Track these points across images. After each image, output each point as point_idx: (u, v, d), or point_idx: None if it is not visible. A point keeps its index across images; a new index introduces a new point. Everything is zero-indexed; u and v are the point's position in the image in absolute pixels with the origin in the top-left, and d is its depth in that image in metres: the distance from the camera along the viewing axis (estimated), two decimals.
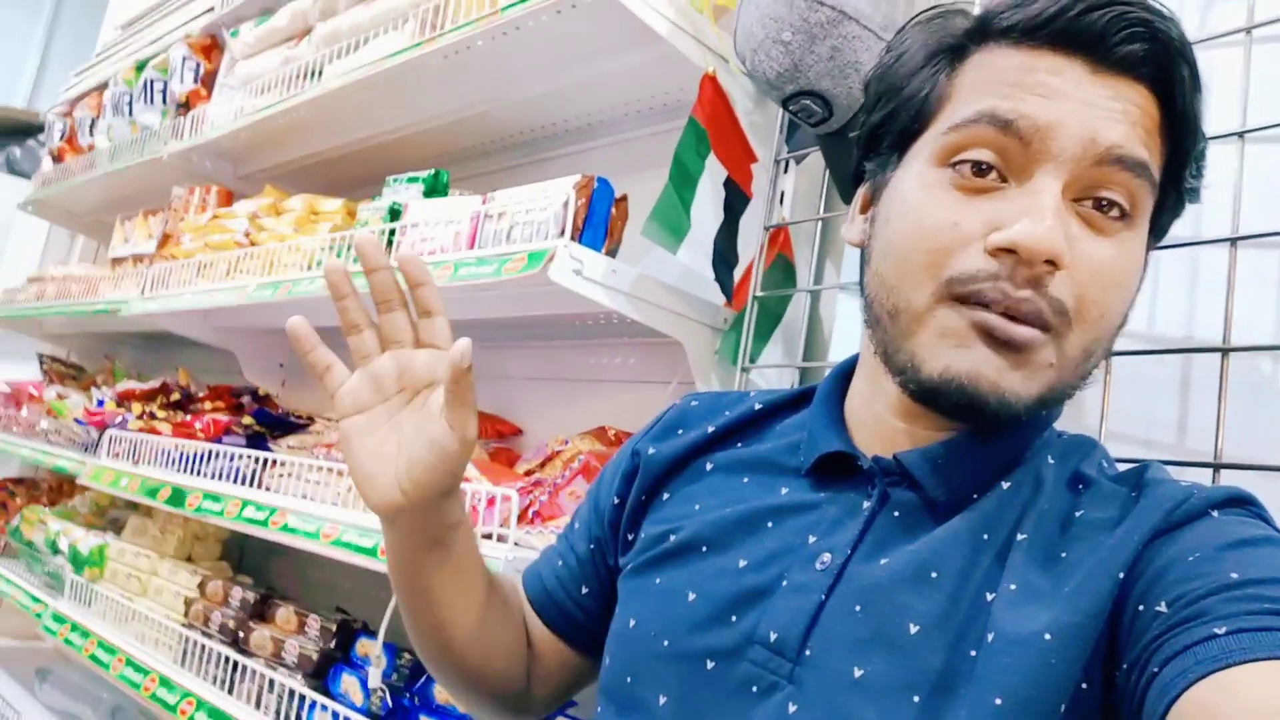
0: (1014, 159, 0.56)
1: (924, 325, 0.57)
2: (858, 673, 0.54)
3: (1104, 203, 0.56)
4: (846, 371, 0.71)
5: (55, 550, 2.03)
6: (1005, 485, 0.60)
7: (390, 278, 0.66)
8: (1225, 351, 0.81)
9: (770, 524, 0.64)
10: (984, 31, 0.60)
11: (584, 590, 0.78)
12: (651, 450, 0.74)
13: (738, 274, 1.24)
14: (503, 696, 0.80)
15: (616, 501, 0.75)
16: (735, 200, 1.20)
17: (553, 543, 0.84)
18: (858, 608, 0.57)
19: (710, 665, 0.60)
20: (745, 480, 0.69)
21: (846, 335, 1.21)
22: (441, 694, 1.25)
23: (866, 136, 0.66)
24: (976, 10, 0.64)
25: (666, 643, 0.62)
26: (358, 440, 0.66)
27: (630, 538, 0.73)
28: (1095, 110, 0.55)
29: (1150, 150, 0.57)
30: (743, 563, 0.63)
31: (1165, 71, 0.56)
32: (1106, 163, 0.55)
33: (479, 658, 0.76)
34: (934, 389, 0.56)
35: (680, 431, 0.75)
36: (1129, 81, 0.56)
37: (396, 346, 0.67)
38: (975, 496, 0.60)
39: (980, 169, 0.56)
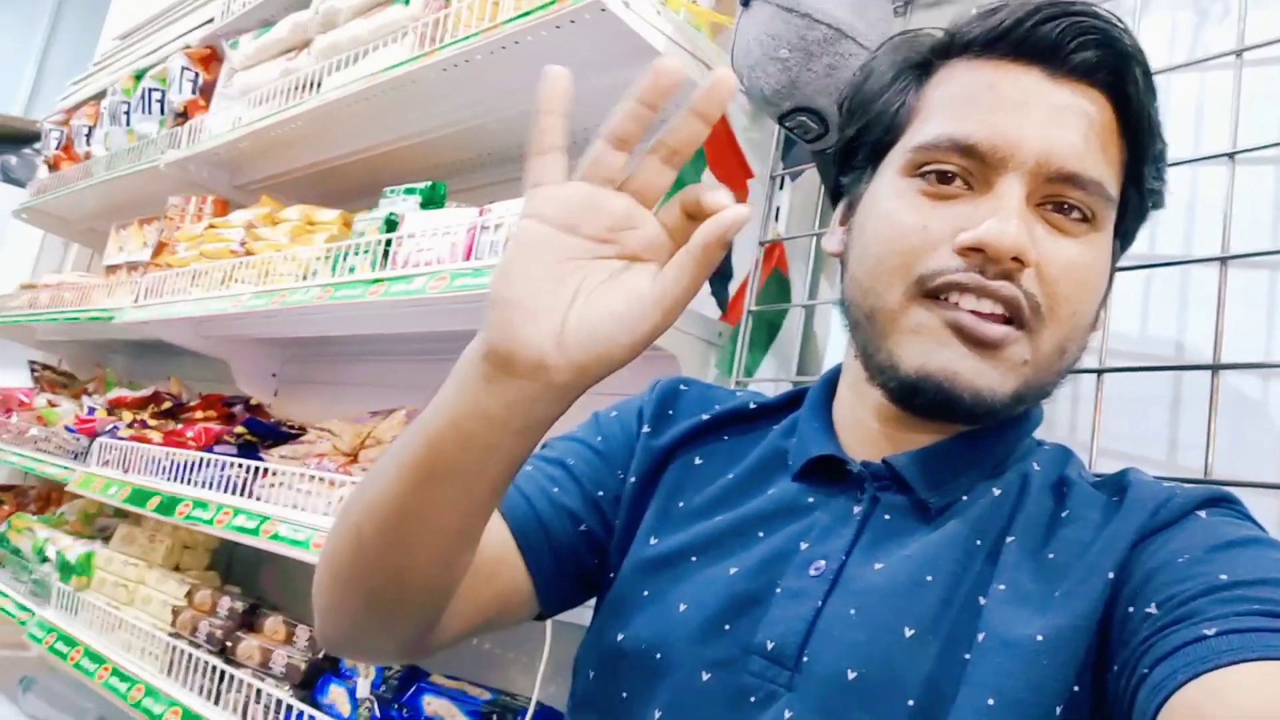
0: (977, 170, 0.59)
1: (898, 324, 0.59)
2: (851, 676, 0.54)
3: (1065, 205, 0.59)
4: (834, 379, 0.72)
5: (43, 558, 2.01)
6: (994, 490, 0.61)
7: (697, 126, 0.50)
8: (1215, 369, 0.81)
9: (761, 532, 0.64)
10: (948, 48, 0.63)
11: (580, 526, 0.70)
12: (646, 429, 0.73)
13: (733, 288, 1.25)
14: (417, 627, 0.63)
15: (620, 475, 0.72)
16: None
17: (528, 468, 0.72)
18: (853, 612, 0.57)
19: (706, 677, 0.59)
20: (735, 483, 0.69)
21: (841, 349, 1.22)
22: (431, 705, 1.24)
23: (842, 151, 0.69)
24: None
25: (659, 655, 0.61)
26: (536, 261, 0.48)
27: (618, 525, 0.71)
28: (1052, 117, 0.58)
29: (1107, 158, 0.60)
30: (734, 570, 0.62)
31: (1119, 76, 0.59)
32: (1061, 180, 0.58)
33: (442, 581, 0.60)
34: (912, 387, 0.58)
35: (671, 413, 0.75)
36: (1085, 87, 0.59)
37: (638, 197, 0.50)
38: (964, 499, 0.61)
39: (945, 177, 0.60)
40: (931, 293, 0.58)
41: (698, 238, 0.47)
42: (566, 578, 0.70)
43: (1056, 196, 0.58)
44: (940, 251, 0.58)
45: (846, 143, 0.68)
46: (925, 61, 0.64)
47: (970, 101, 0.60)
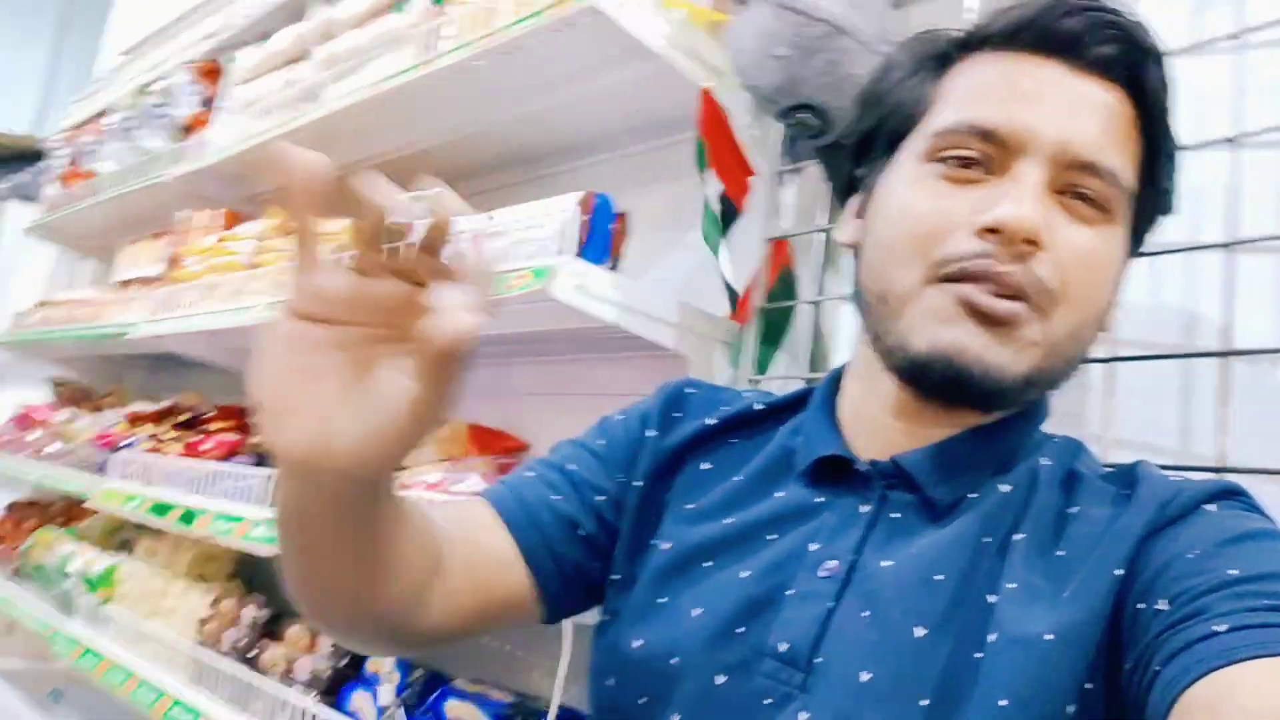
0: (996, 156, 0.59)
1: (911, 305, 0.60)
2: (864, 677, 0.55)
3: (1083, 194, 0.59)
4: (838, 377, 0.72)
5: (66, 572, 2.04)
6: (1003, 486, 0.61)
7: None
8: (1226, 355, 0.81)
9: (771, 535, 0.64)
10: (968, 42, 0.64)
11: (580, 532, 0.70)
12: (652, 433, 0.73)
13: (741, 287, 1.25)
14: (399, 622, 0.63)
15: (621, 479, 0.72)
16: (728, 214, 1.21)
17: (528, 473, 0.73)
18: (865, 613, 0.57)
19: (721, 681, 0.60)
20: (743, 485, 0.69)
21: (850, 346, 1.22)
22: (454, 709, 1.25)
23: (858, 143, 0.69)
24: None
25: (675, 661, 0.62)
26: (292, 358, 0.44)
27: (624, 528, 0.71)
28: (1072, 108, 0.58)
29: (1125, 151, 0.60)
30: (745, 574, 0.63)
31: (1139, 71, 0.60)
32: (1079, 168, 0.58)
33: (400, 600, 0.60)
34: (923, 364, 0.59)
35: (677, 415, 0.75)
36: (1105, 82, 0.60)
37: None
38: (973, 496, 0.61)
39: (965, 162, 0.60)
40: (947, 277, 0.58)
41: (426, 350, 0.42)
42: (569, 583, 0.70)
43: (1074, 185, 0.59)
44: (958, 235, 0.58)
45: (864, 134, 0.68)
46: (945, 54, 0.65)
47: (991, 89, 0.60)
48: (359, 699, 1.34)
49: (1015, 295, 0.57)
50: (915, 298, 0.59)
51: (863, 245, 0.66)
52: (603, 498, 0.72)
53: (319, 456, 0.44)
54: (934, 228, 0.59)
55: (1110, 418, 0.87)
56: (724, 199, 1.20)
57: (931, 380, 0.59)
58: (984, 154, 0.59)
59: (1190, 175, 0.92)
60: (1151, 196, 0.63)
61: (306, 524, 0.52)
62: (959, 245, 0.58)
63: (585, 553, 0.71)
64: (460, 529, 0.67)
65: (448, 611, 0.64)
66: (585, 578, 0.71)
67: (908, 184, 0.62)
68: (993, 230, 0.57)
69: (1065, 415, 0.94)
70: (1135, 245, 0.65)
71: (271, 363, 0.44)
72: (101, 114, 2.72)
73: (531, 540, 0.69)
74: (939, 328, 0.58)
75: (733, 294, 1.20)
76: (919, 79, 0.65)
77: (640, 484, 0.71)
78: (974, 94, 0.61)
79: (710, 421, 0.73)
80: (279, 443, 0.45)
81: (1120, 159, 0.59)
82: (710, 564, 0.65)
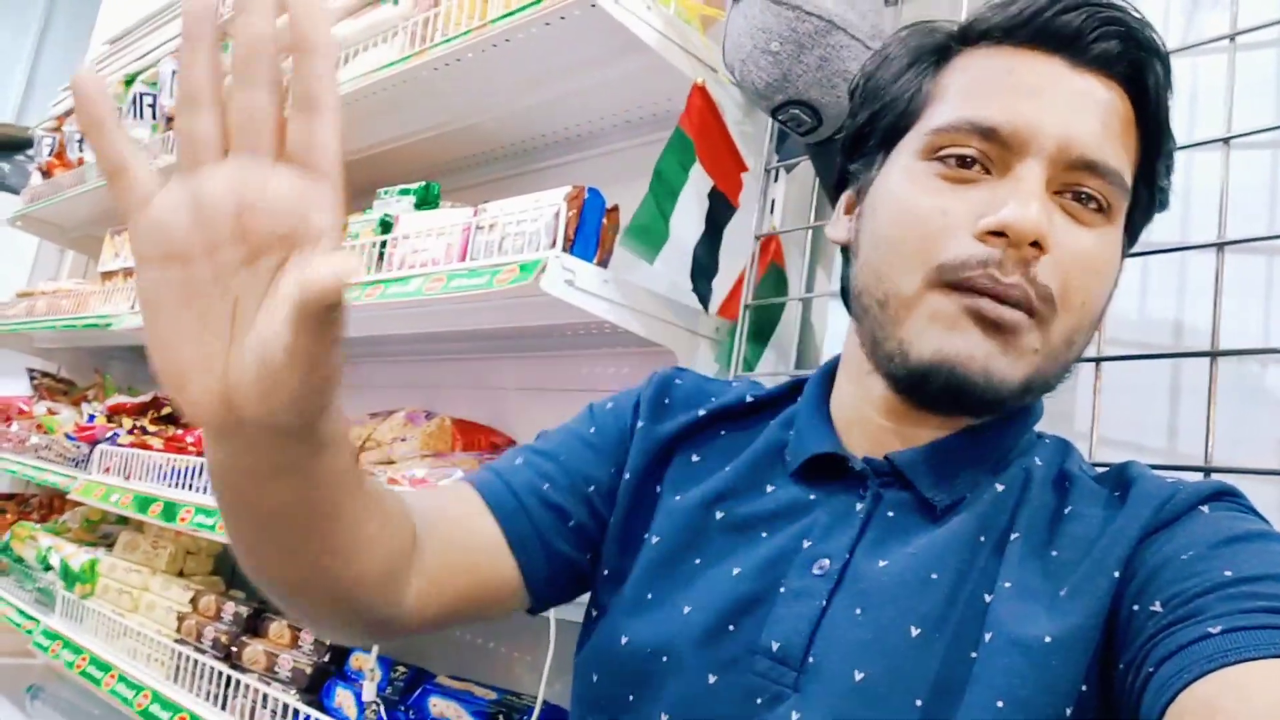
0: (996, 155, 0.58)
1: (914, 311, 0.58)
2: (858, 676, 0.54)
3: (1083, 195, 0.58)
4: (830, 373, 0.71)
5: (46, 566, 2.01)
6: (998, 485, 0.61)
7: (269, 30, 0.40)
8: (1214, 355, 0.81)
9: (764, 532, 0.64)
10: (966, 35, 0.63)
11: (570, 522, 0.69)
12: (641, 424, 0.72)
13: (729, 283, 1.24)
14: (367, 618, 0.62)
15: (612, 470, 0.71)
16: (720, 210, 1.20)
17: (518, 460, 0.72)
18: (859, 611, 0.57)
19: (712, 679, 0.59)
20: (734, 479, 0.68)
21: (838, 342, 1.22)
22: (437, 706, 1.24)
23: (852, 138, 0.68)
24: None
25: (665, 658, 0.61)
26: (166, 310, 0.41)
27: (613, 520, 0.70)
28: (1073, 105, 0.58)
29: (1124, 148, 0.59)
30: (737, 571, 0.62)
31: (1139, 68, 0.59)
32: (1081, 167, 0.57)
33: (334, 581, 0.57)
34: (924, 372, 0.57)
35: (667, 402, 0.74)
36: (1104, 78, 0.59)
37: (247, 152, 0.40)
38: (968, 496, 0.60)
39: (965, 161, 0.59)
40: (951, 284, 0.57)
41: (287, 299, 0.38)
42: (556, 572, 0.69)
43: (1075, 185, 0.58)
44: (960, 237, 0.57)
45: (858, 129, 0.67)
46: (943, 47, 0.63)
47: (990, 86, 0.59)
48: (341, 696, 1.33)
49: (1019, 307, 0.56)
50: (918, 303, 0.58)
51: (856, 244, 0.65)
52: (593, 487, 0.70)
53: (226, 410, 0.41)
54: (934, 229, 0.58)
55: (1098, 417, 0.87)
56: (715, 195, 1.20)
57: (931, 389, 0.58)
58: (983, 153, 0.58)
59: (1181, 175, 0.93)
60: (1148, 195, 0.63)
61: (244, 492, 0.49)
62: (961, 249, 0.56)
63: (574, 542, 0.70)
64: (443, 513, 0.66)
65: (427, 596, 0.63)
66: (573, 568, 0.70)
67: (905, 182, 0.61)
68: (997, 233, 0.55)
69: (1054, 414, 0.94)
70: (1129, 243, 0.65)
71: (152, 323, 0.41)
72: None
73: (519, 527, 0.67)
74: (945, 335, 0.57)
75: (704, 291, 1.19)
76: (915, 73, 0.63)
77: (630, 476, 0.70)
78: (973, 90, 0.60)
79: (700, 412, 0.72)
80: (186, 406, 0.42)
81: (1120, 158, 0.59)
82: (700, 560, 0.64)
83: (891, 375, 0.60)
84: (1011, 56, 0.60)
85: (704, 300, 1.19)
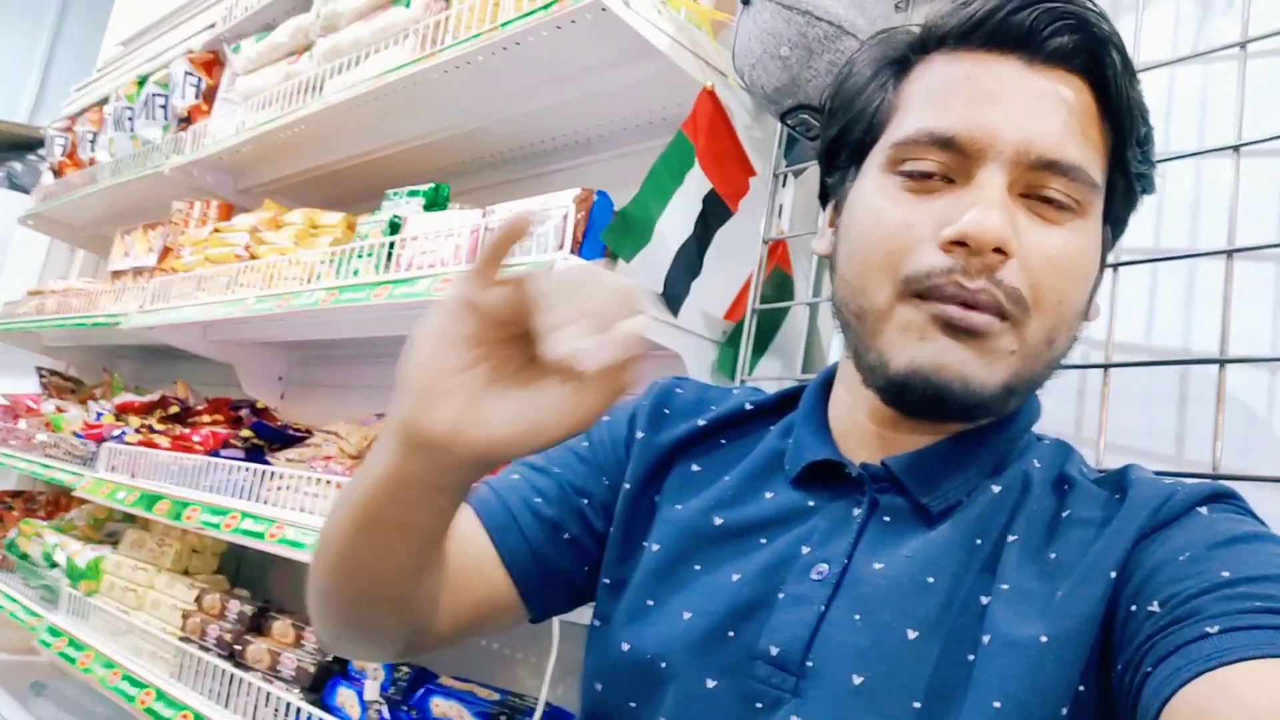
0: (958, 164, 0.59)
1: (887, 323, 0.59)
2: (857, 680, 0.54)
3: (1049, 196, 0.58)
4: (828, 380, 0.71)
5: (51, 563, 2.02)
6: (995, 488, 0.61)
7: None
8: (1223, 363, 0.81)
9: (762, 538, 0.64)
10: (924, 43, 0.63)
11: (564, 535, 0.70)
12: (640, 434, 0.72)
13: (735, 288, 1.24)
14: (407, 633, 0.66)
15: (606, 483, 0.72)
16: (713, 214, 1.19)
17: (514, 475, 0.73)
18: (857, 616, 0.57)
19: (712, 684, 0.59)
20: (733, 486, 0.68)
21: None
22: (439, 707, 1.24)
23: (826, 153, 0.69)
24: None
25: (664, 665, 0.61)
26: (442, 347, 0.48)
27: (614, 531, 0.70)
28: (1031, 106, 0.58)
29: (1090, 142, 0.59)
30: (736, 577, 0.62)
31: (1096, 60, 0.59)
32: (1043, 168, 0.58)
33: (407, 604, 0.63)
34: (901, 383, 0.58)
35: (667, 412, 0.74)
36: (1063, 73, 0.59)
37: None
38: (965, 500, 0.61)
39: (927, 175, 0.59)
40: (919, 294, 0.58)
41: (603, 368, 0.45)
42: (552, 585, 0.70)
43: (1039, 186, 0.58)
44: (925, 249, 0.57)
45: (829, 143, 0.68)
46: (903, 58, 0.64)
47: (947, 94, 0.60)
48: (344, 695, 1.33)
49: (989, 311, 0.56)
50: (889, 315, 0.59)
51: (835, 258, 0.66)
52: (586, 500, 0.71)
53: (459, 436, 0.47)
54: (900, 243, 0.58)
55: (1106, 423, 0.86)
56: (711, 197, 1.19)
57: (912, 398, 0.58)
58: (944, 163, 0.59)
59: (1189, 183, 0.93)
60: (1125, 183, 0.62)
61: (406, 503, 0.54)
62: (925, 260, 0.57)
63: (569, 555, 0.70)
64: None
65: (446, 614, 0.66)
66: (570, 580, 0.71)
67: (872, 196, 0.61)
68: (958, 243, 0.56)
69: (1062, 420, 0.94)
70: (1117, 232, 0.65)
71: (426, 350, 0.48)
72: (101, 103, 2.71)
73: (512, 544, 0.69)
74: (916, 346, 0.57)
75: (681, 291, 1.17)
76: (878, 85, 0.64)
77: (630, 486, 0.71)
78: (931, 100, 0.60)
79: (700, 423, 0.73)
80: (423, 418, 0.47)
81: (1084, 152, 0.58)
82: (700, 566, 0.65)
83: (875, 386, 0.61)
84: (968, 62, 0.60)
85: (675, 302, 1.16)
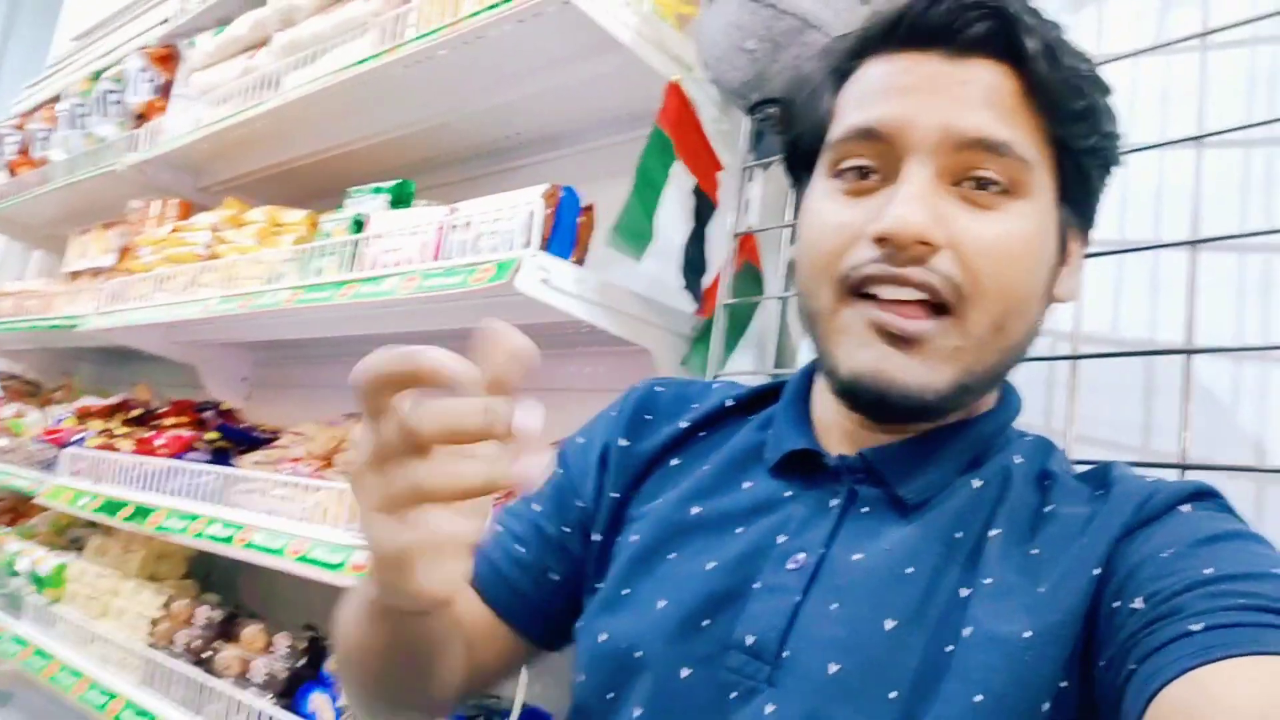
0: (887, 160, 0.59)
1: (832, 326, 0.61)
2: (833, 669, 0.54)
3: (983, 179, 0.58)
4: (811, 373, 0.72)
5: (14, 571, 1.98)
6: (975, 483, 0.61)
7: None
8: (1188, 353, 0.82)
9: (738, 527, 0.64)
10: (860, 50, 0.64)
11: (552, 575, 0.72)
12: (623, 442, 0.72)
13: (706, 281, 1.24)
14: (438, 703, 0.71)
15: (580, 505, 0.72)
16: (703, 208, 1.20)
17: (498, 528, 0.75)
18: (834, 606, 0.57)
19: (686, 673, 0.59)
20: (710, 477, 0.68)
21: None
22: None
23: (786, 163, 0.71)
24: None
25: (639, 654, 0.61)
26: (399, 509, 0.46)
27: (599, 539, 0.71)
28: (952, 93, 0.58)
29: (1016, 119, 0.59)
30: (711, 565, 0.62)
31: (1014, 42, 0.59)
32: (967, 148, 0.58)
33: (444, 686, 0.68)
34: (849, 388, 0.59)
35: (649, 418, 0.74)
36: (984, 60, 0.59)
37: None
38: (943, 491, 0.61)
39: (862, 173, 0.60)
40: (854, 289, 0.59)
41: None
42: (552, 622, 0.72)
43: (970, 168, 0.58)
44: (858, 246, 0.58)
45: (787, 156, 0.70)
46: (841, 66, 0.65)
47: (874, 93, 0.61)
48: (317, 700, 1.32)
49: (928, 299, 0.57)
50: (834, 318, 0.60)
51: (795, 261, 0.67)
52: (569, 529, 0.72)
53: (450, 593, 0.46)
54: (837, 244, 0.60)
55: (1074, 414, 0.87)
56: (698, 192, 1.19)
57: (862, 400, 0.60)
58: (872, 159, 0.60)
59: (1153, 174, 0.94)
60: (1072, 160, 0.62)
61: (409, 638, 0.60)
62: (858, 256, 0.58)
63: (562, 593, 0.72)
64: None
65: (469, 677, 0.70)
66: (573, 608, 0.71)
67: (817, 201, 0.63)
68: (883, 239, 0.57)
69: (1030, 412, 0.94)
70: (1083, 212, 0.64)
71: (386, 525, 0.45)
72: (53, 100, 2.64)
73: (505, 599, 0.72)
74: (856, 350, 0.58)
75: (696, 289, 1.19)
76: (821, 93, 0.66)
77: (616, 495, 0.71)
78: (859, 101, 0.62)
79: (682, 425, 0.73)
80: (418, 590, 0.46)
81: (1011, 131, 0.58)
82: (675, 555, 0.65)
83: (833, 389, 0.62)
84: (894, 61, 0.61)
85: (696, 296, 1.19)
